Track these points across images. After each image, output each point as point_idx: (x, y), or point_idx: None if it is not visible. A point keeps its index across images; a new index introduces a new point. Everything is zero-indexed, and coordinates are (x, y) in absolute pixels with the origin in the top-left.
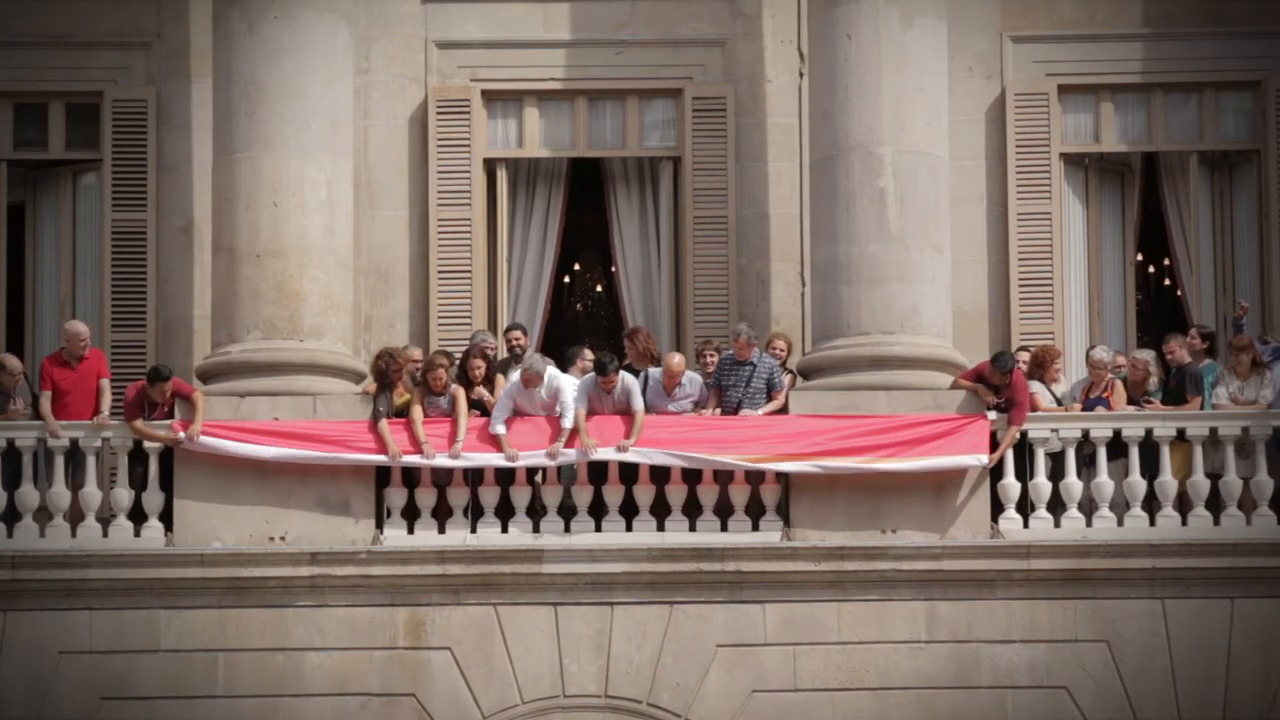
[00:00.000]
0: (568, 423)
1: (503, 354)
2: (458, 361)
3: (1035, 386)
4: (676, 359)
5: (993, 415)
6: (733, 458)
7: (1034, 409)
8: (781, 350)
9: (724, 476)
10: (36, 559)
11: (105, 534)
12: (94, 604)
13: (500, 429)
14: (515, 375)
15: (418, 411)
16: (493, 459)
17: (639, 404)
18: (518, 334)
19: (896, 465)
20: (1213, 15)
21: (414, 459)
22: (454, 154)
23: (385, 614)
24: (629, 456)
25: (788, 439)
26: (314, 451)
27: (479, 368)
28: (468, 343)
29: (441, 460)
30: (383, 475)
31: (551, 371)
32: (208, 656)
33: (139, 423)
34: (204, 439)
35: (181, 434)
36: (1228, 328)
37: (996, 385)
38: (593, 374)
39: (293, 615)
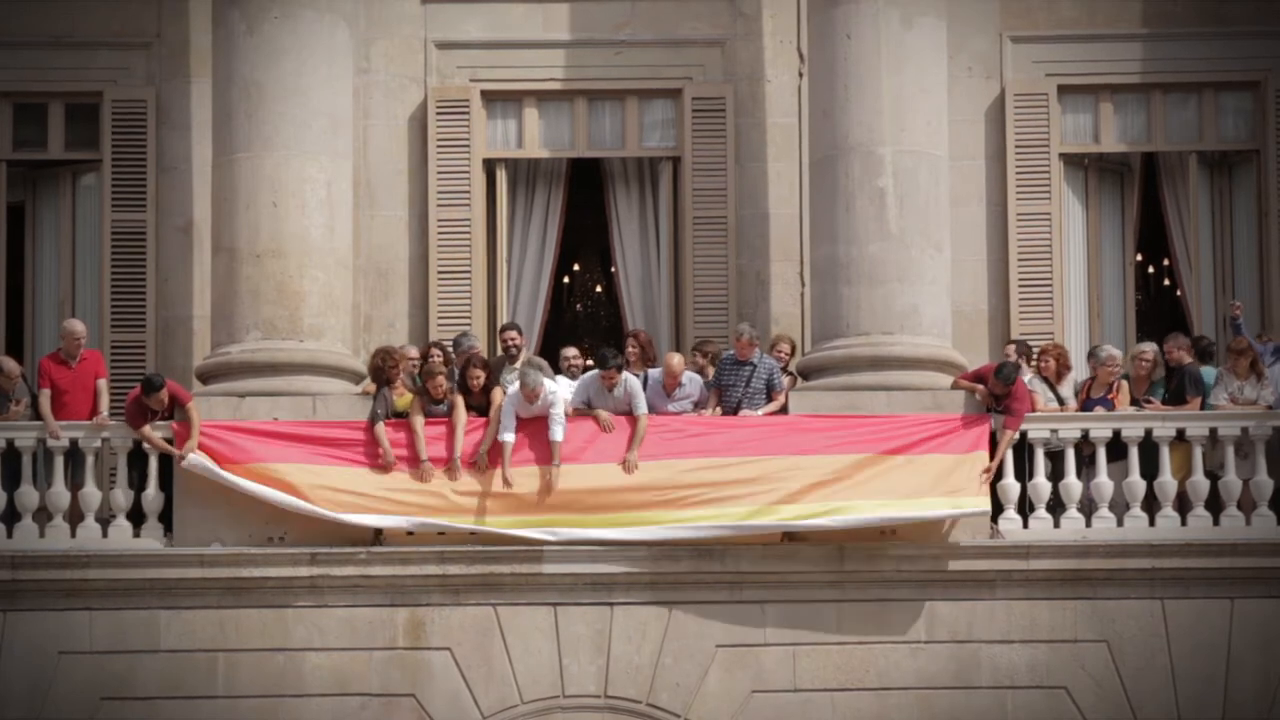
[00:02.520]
0: (558, 436)
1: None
2: (454, 360)
3: (1035, 386)
4: (676, 359)
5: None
6: (734, 518)
7: (1033, 409)
8: (785, 353)
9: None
10: (36, 559)
11: (105, 534)
12: (94, 604)
13: (509, 437)
14: (515, 386)
15: (419, 421)
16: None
17: (642, 409)
18: (513, 333)
19: (897, 514)
20: (1212, 15)
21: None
22: (453, 154)
23: (385, 614)
24: (618, 534)
25: (786, 434)
26: (303, 503)
27: (478, 378)
28: (453, 346)
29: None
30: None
31: (549, 385)
32: (208, 657)
33: (145, 429)
34: (196, 458)
35: (184, 456)
36: (1225, 328)
37: (999, 395)
38: (594, 371)
39: (293, 615)
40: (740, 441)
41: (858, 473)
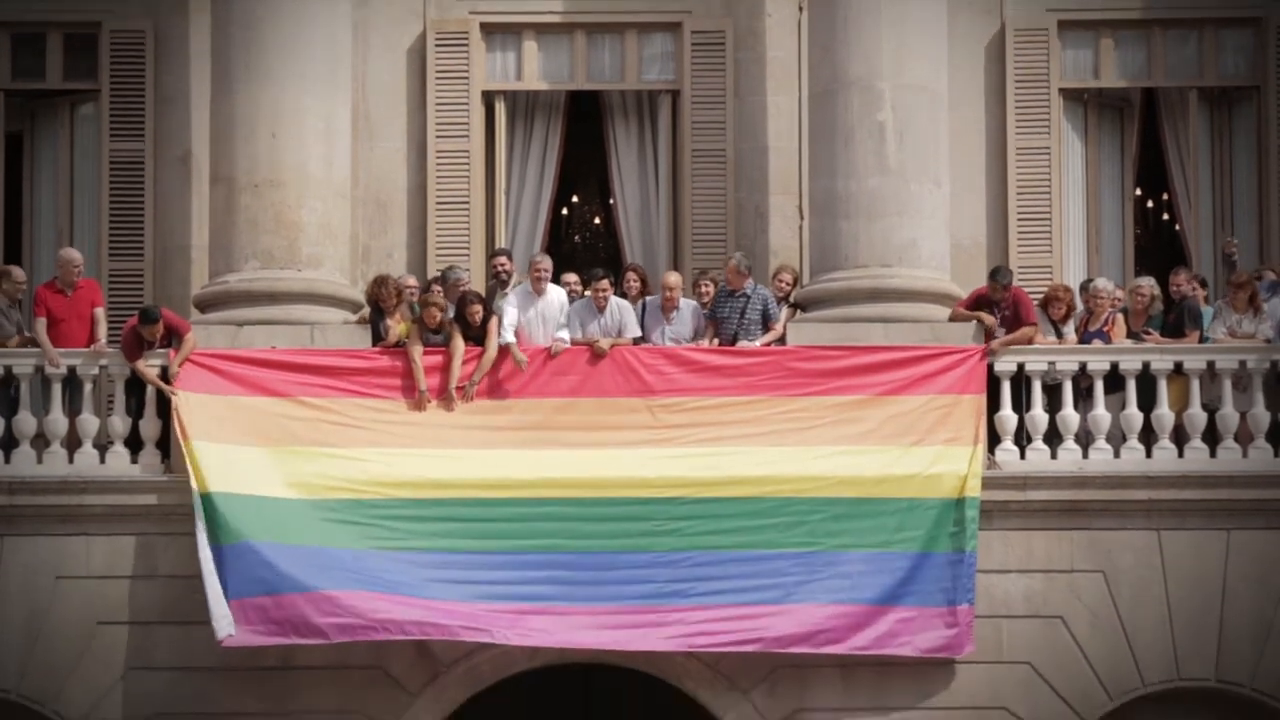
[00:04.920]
0: (564, 335)
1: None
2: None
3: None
4: (673, 276)
5: (998, 335)
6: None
7: (1030, 342)
8: (787, 283)
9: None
10: (34, 485)
11: (102, 461)
12: (91, 530)
13: (510, 337)
14: (512, 292)
15: (417, 351)
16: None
17: (633, 332)
18: (503, 259)
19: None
20: None
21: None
22: (452, 86)
23: None
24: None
25: (784, 374)
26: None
27: (477, 313)
28: (440, 278)
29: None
30: None
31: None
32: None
33: (139, 364)
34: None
35: (175, 391)
36: (1222, 265)
37: (997, 301)
38: (585, 298)
39: None
40: (738, 378)
41: (855, 419)
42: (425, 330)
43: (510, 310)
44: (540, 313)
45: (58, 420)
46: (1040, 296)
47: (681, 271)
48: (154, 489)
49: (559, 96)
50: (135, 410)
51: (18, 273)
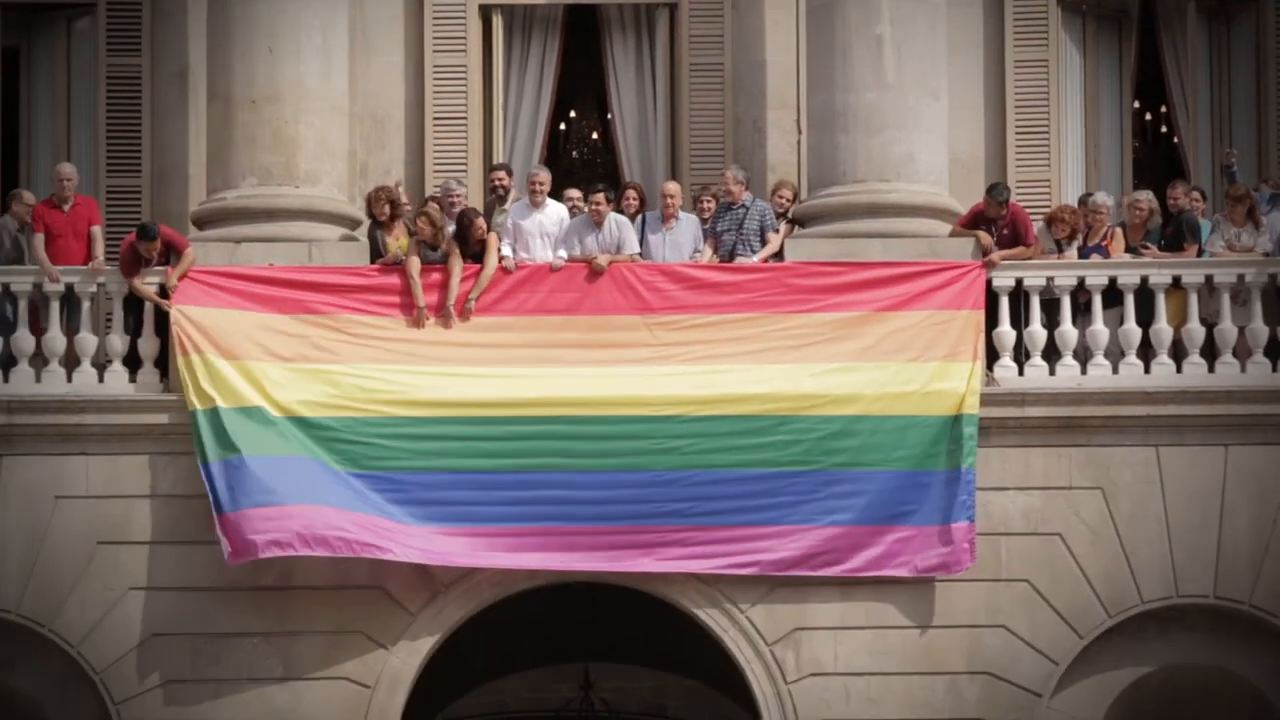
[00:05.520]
0: (564, 253)
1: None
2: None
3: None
4: (672, 185)
5: (997, 253)
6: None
7: (1032, 236)
8: (787, 199)
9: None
10: (33, 404)
11: (101, 379)
12: (90, 449)
13: (508, 250)
14: (511, 207)
15: (414, 264)
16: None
17: (631, 248)
18: (502, 174)
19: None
20: None
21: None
22: (449, 0)
23: None
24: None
25: (783, 290)
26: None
27: (481, 228)
28: (440, 191)
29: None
30: None
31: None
32: (203, 502)
33: (136, 281)
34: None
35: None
36: (1221, 176)
37: (995, 218)
38: (582, 215)
39: None
40: (736, 295)
41: (853, 335)
42: (424, 247)
43: (509, 222)
44: (539, 225)
45: (56, 338)
46: (1043, 214)
47: (680, 186)
48: (153, 408)
49: (556, 10)
50: (133, 328)
51: (28, 195)
